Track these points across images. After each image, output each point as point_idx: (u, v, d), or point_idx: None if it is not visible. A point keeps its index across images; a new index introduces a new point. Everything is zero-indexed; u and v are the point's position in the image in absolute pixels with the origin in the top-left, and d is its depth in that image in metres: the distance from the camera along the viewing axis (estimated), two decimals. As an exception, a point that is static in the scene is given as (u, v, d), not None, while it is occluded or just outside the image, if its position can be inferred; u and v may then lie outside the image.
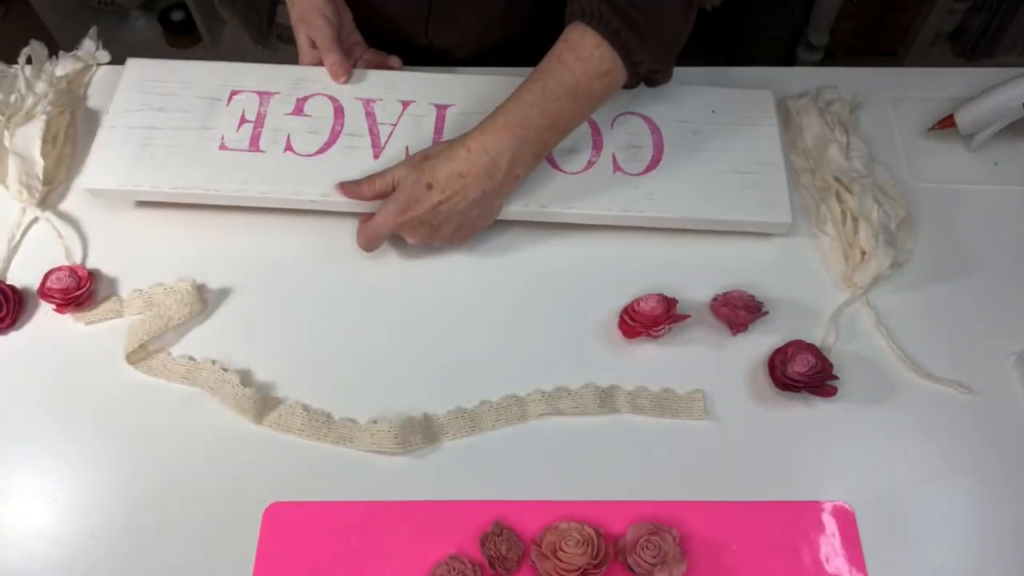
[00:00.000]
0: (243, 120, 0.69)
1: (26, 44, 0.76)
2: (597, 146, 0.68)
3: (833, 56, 1.72)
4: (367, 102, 0.70)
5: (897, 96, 0.76)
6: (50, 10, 1.64)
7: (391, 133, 0.68)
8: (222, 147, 0.67)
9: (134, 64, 0.72)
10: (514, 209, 0.65)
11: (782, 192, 0.66)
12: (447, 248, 0.66)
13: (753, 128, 0.69)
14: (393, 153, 0.67)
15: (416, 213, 0.61)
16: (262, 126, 0.68)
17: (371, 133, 0.68)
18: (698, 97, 0.71)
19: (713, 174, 0.67)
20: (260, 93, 0.70)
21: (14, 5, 1.88)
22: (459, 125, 0.68)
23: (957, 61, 1.72)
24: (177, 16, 1.76)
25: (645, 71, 0.62)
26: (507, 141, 0.59)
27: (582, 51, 0.59)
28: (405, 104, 0.70)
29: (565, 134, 0.62)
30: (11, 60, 0.76)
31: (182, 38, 1.80)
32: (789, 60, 1.69)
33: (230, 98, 0.70)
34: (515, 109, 0.60)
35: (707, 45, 1.82)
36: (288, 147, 0.67)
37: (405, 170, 0.62)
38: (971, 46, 1.69)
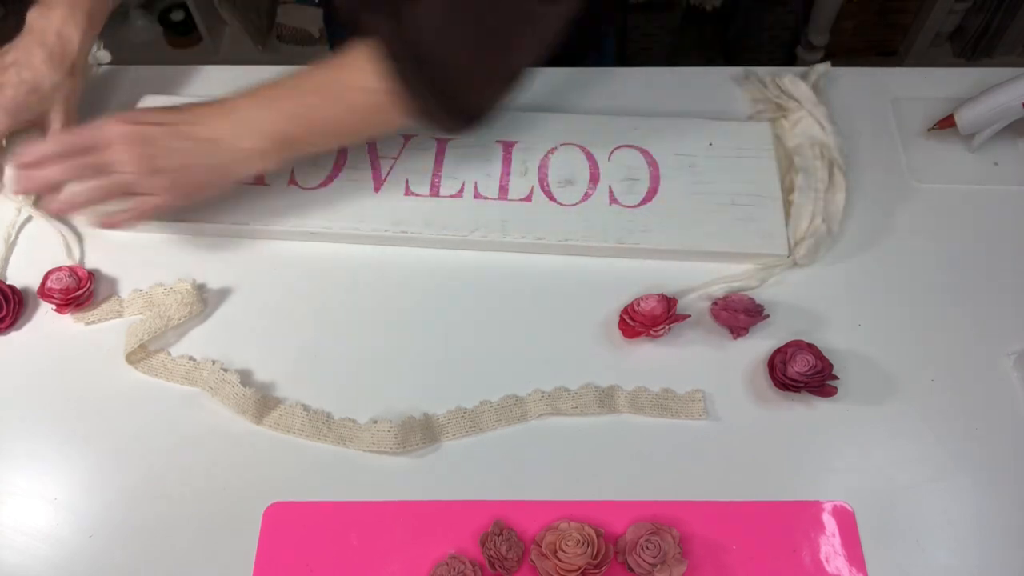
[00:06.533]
0: None
1: (26, 44, 0.76)
2: (594, 178, 0.68)
3: (833, 56, 1.71)
4: None
5: (897, 96, 0.76)
6: (50, 10, 1.64)
7: (392, 167, 0.69)
8: None
9: (148, 100, 0.74)
10: (511, 240, 0.66)
11: (779, 224, 0.66)
12: (163, 200, 0.61)
13: (751, 160, 0.69)
14: (394, 185, 0.68)
15: (147, 120, 0.58)
16: None
17: (373, 166, 0.69)
18: (696, 130, 0.71)
19: (709, 206, 0.67)
20: None
21: (14, 5, 1.88)
22: (459, 157, 0.69)
23: (957, 61, 1.72)
24: (177, 16, 1.76)
25: (422, 110, 0.58)
26: (250, 109, 0.59)
27: (354, 59, 0.57)
28: (407, 138, 0.71)
29: (319, 136, 0.61)
30: (11, 60, 0.76)
31: (182, 38, 1.80)
32: (789, 60, 1.69)
33: None
34: (271, 89, 0.59)
35: (707, 45, 1.82)
36: (292, 180, 0.69)
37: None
38: (971, 46, 1.69)
